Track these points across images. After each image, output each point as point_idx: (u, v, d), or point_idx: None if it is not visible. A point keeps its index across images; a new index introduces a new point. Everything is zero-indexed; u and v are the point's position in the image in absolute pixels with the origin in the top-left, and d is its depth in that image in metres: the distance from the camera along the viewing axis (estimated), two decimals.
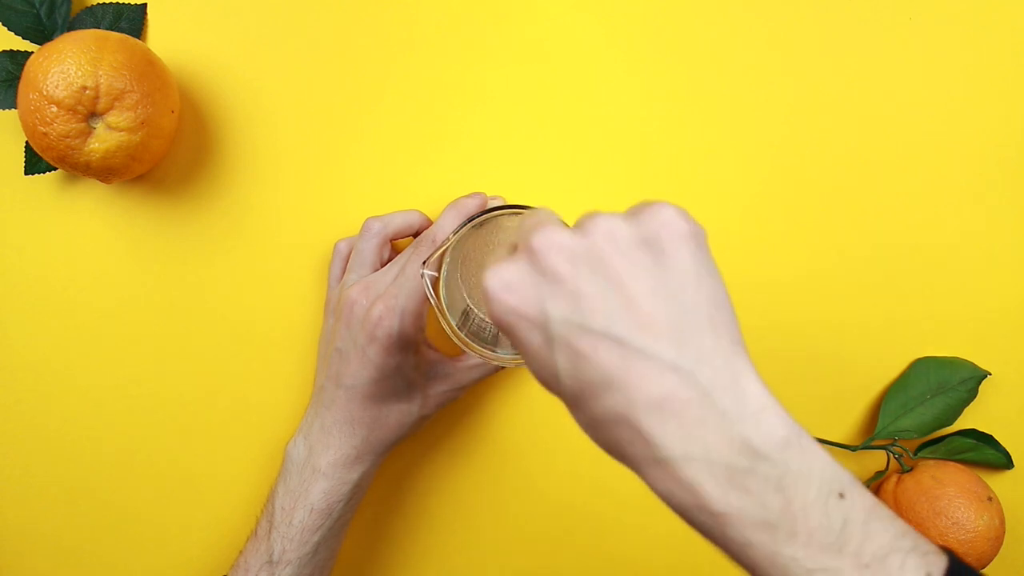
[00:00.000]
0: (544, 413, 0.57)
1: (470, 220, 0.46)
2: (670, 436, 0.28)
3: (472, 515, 0.58)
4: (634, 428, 0.29)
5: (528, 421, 0.57)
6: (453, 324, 0.48)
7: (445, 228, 0.50)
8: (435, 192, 0.56)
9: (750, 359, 0.30)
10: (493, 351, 0.48)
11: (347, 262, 0.53)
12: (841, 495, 0.29)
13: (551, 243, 0.30)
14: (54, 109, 0.47)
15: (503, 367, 0.54)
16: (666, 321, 0.29)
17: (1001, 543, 0.52)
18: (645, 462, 0.29)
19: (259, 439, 0.57)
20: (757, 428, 0.29)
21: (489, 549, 0.58)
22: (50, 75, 0.47)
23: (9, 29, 0.53)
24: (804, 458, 0.29)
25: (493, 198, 0.53)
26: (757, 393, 0.29)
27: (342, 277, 0.52)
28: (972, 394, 0.55)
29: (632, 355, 0.29)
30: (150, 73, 0.49)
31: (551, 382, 0.31)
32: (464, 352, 0.52)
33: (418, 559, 0.58)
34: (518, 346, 0.31)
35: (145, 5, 0.54)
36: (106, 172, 0.50)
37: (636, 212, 0.32)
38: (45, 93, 0.47)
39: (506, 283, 0.30)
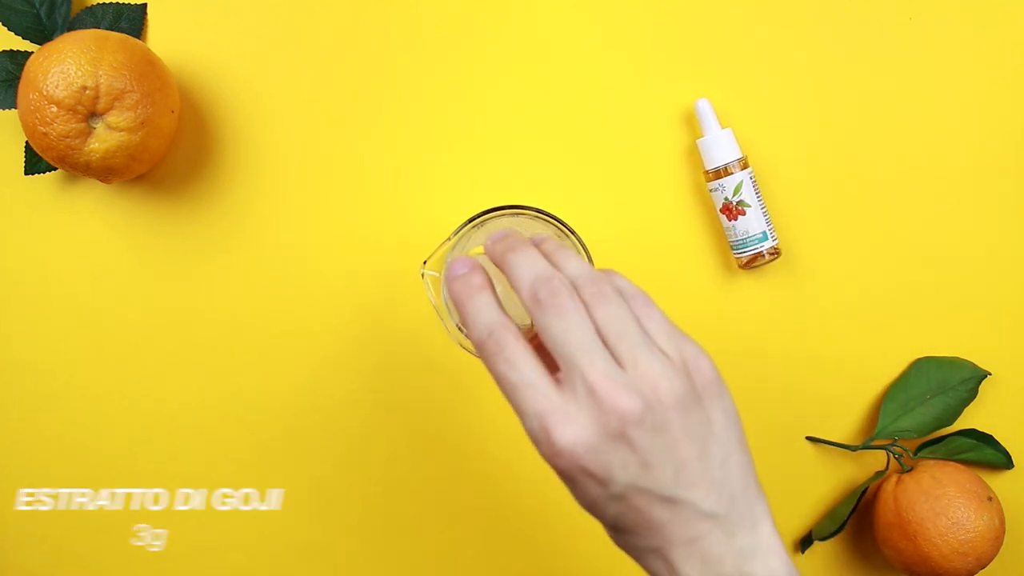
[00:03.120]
0: None
1: (470, 220, 0.47)
2: (694, 569, 0.32)
3: (471, 515, 0.58)
4: (664, 558, 0.33)
5: None
6: (453, 324, 0.48)
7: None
8: (435, 191, 0.56)
9: (765, 499, 0.34)
10: None
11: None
12: None
13: (620, 407, 0.31)
14: (54, 109, 0.47)
15: None
16: (709, 477, 0.33)
17: (1001, 543, 0.52)
18: None
19: (258, 439, 0.57)
20: (765, 566, 0.33)
21: (489, 549, 0.58)
22: (50, 75, 0.47)
23: (9, 29, 0.53)
24: None
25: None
26: (768, 534, 0.34)
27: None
28: (972, 394, 0.55)
29: (680, 508, 0.32)
30: (150, 73, 0.49)
31: (594, 513, 0.34)
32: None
33: (418, 559, 0.58)
34: (572, 490, 0.33)
35: (145, 5, 0.54)
36: (106, 172, 0.50)
37: (679, 355, 0.33)
38: (45, 93, 0.47)
39: (577, 441, 0.31)
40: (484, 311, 0.34)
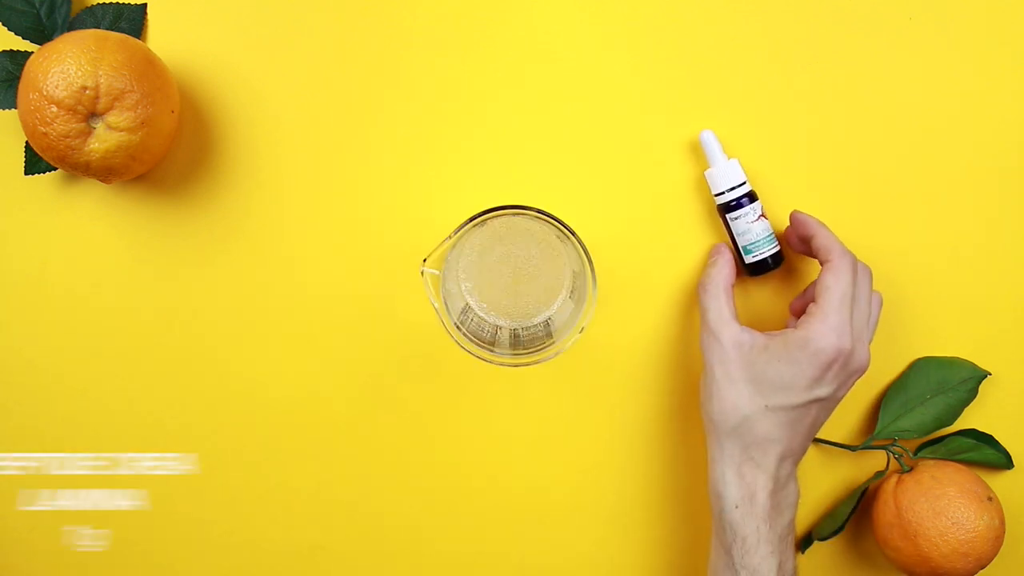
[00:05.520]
0: (543, 413, 0.57)
1: (471, 219, 0.46)
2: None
3: (471, 514, 0.57)
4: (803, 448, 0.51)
5: (527, 421, 0.57)
6: (452, 323, 0.48)
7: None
8: (435, 191, 0.56)
9: None
10: (491, 350, 0.48)
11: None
12: None
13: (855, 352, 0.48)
14: (54, 109, 0.47)
15: None
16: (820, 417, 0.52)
17: (1001, 543, 0.52)
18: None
19: (258, 439, 0.57)
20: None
21: (488, 549, 0.58)
22: (50, 75, 0.47)
23: (9, 29, 0.53)
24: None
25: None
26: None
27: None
28: (972, 394, 0.55)
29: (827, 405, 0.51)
30: (150, 73, 0.49)
31: (798, 380, 0.48)
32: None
33: (418, 558, 0.58)
34: (842, 377, 0.48)
35: (145, 5, 0.55)
36: (106, 172, 0.50)
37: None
38: (45, 93, 0.47)
39: (846, 349, 0.47)
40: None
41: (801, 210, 0.52)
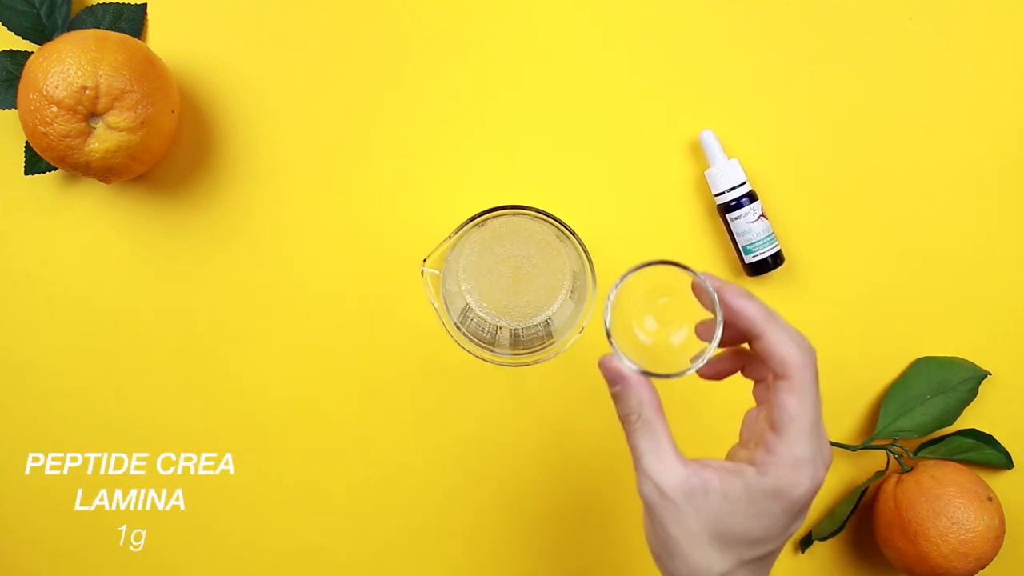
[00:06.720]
0: (542, 413, 0.57)
1: (471, 219, 0.46)
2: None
3: (471, 514, 0.57)
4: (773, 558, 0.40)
5: (527, 421, 0.57)
6: (451, 322, 0.48)
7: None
8: (435, 191, 0.56)
9: None
10: (491, 350, 0.48)
11: None
12: None
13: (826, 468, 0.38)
14: (54, 109, 0.47)
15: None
16: None
17: (1001, 543, 0.52)
18: None
19: (257, 438, 0.57)
20: None
21: (487, 549, 0.58)
22: (50, 75, 0.47)
23: (9, 29, 0.53)
24: None
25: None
26: None
27: None
28: (972, 394, 0.55)
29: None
30: (150, 73, 0.49)
31: (785, 538, 0.38)
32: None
33: (418, 558, 0.58)
34: (798, 520, 0.38)
35: (145, 5, 0.55)
36: (106, 172, 0.50)
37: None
38: (45, 93, 0.47)
39: (821, 484, 0.37)
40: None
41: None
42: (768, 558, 0.38)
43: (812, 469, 0.36)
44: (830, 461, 0.38)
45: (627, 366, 0.37)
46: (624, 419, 0.39)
